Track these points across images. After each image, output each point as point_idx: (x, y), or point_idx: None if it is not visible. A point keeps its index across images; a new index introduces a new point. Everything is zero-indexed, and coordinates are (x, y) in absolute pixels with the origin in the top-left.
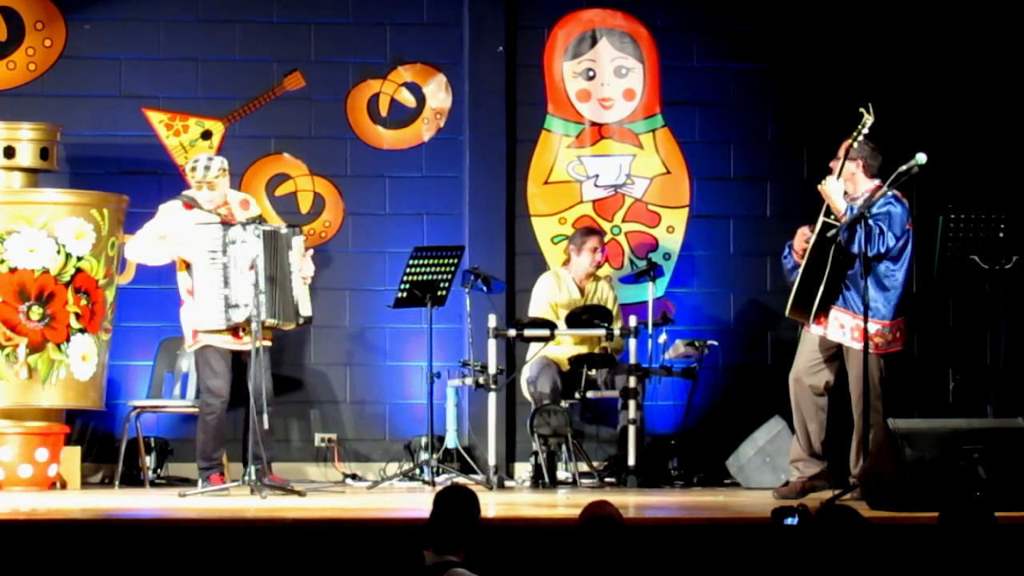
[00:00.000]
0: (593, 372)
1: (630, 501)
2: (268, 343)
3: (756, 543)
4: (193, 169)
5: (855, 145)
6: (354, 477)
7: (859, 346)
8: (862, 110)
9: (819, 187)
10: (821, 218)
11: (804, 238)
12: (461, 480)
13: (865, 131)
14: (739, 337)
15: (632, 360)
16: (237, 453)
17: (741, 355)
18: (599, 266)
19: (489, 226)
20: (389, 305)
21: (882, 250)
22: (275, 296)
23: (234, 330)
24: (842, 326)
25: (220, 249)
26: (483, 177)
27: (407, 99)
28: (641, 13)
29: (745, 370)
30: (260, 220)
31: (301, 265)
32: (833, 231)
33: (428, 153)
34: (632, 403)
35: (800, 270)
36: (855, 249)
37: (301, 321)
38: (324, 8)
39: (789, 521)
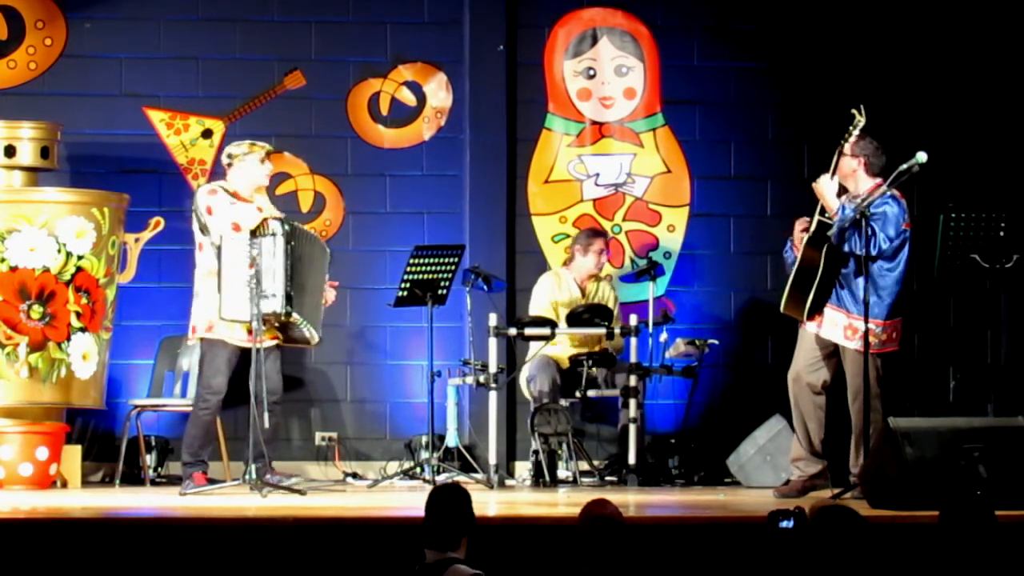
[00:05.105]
0: (594, 371)
1: (630, 500)
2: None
3: (757, 542)
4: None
5: (846, 146)
6: (355, 476)
7: (852, 344)
8: (854, 111)
9: (813, 185)
10: (816, 216)
11: (802, 227)
12: (461, 479)
13: (856, 132)
14: (740, 336)
15: (633, 359)
16: (237, 452)
17: (742, 354)
18: (602, 268)
19: (490, 225)
20: (390, 304)
21: (873, 252)
22: (304, 300)
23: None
24: (835, 324)
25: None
26: (484, 176)
27: (408, 98)
28: (642, 12)
29: (745, 369)
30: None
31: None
32: (826, 230)
33: (429, 152)
34: (633, 402)
35: (794, 268)
36: (846, 249)
37: (310, 335)
38: (324, 7)
39: (785, 524)
